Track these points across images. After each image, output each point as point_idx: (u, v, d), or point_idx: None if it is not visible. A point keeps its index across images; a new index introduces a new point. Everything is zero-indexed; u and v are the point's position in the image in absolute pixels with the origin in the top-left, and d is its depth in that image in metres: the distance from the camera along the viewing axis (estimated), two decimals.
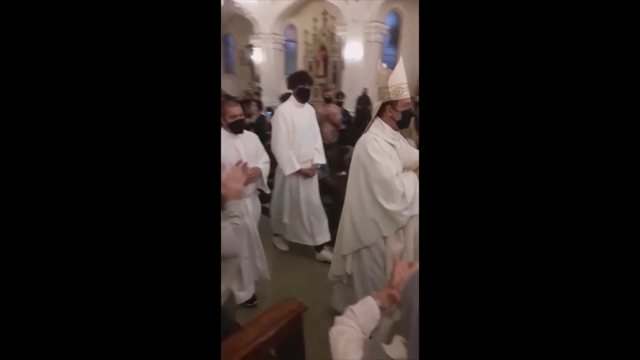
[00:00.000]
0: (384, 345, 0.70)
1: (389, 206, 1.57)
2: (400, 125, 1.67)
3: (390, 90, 1.56)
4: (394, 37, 8.74)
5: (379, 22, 7.72)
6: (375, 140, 1.60)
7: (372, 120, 1.67)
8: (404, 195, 1.54)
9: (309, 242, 2.82)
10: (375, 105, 1.69)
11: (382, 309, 0.87)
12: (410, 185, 1.55)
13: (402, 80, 1.57)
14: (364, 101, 7.12)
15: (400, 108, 1.61)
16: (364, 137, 1.65)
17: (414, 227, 1.68)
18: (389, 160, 1.59)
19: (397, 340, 0.69)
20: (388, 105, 1.61)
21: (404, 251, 1.72)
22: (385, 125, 1.64)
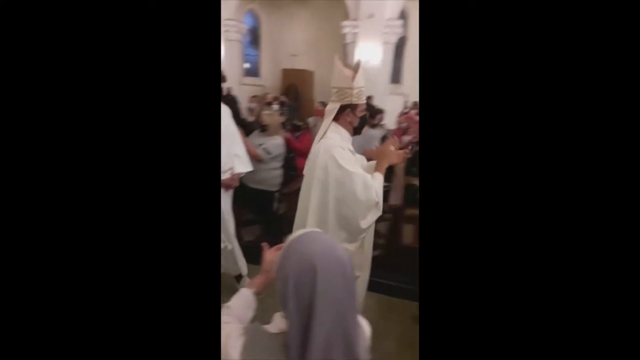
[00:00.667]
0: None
1: (364, 223, 1.39)
2: (356, 131, 1.52)
3: (354, 92, 1.40)
4: (254, 37, 8.81)
5: (237, 21, 7.64)
6: (342, 148, 1.42)
7: (328, 125, 1.46)
8: (377, 204, 1.41)
9: (232, 271, 2.35)
10: (330, 107, 1.46)
11: (257, 294, 0.90)
12: (380, 190, 1.42)
13: (363, 83, 1.44)
14: (228, 100, 6.93)
15: (360, 113, 1.47)
16: (327, 145, 1.41)
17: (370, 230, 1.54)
18: (359, 168, 1.44)
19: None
20: (348, 109, 1.44)
21: (363, 257, 1.55)
22: (342, 130, 1.47)
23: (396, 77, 8.16)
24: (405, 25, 7.55)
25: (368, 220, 1.39)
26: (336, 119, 1.46)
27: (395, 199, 2.65)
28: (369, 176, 1.40)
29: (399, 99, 7.18)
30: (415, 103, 5.97)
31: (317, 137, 1.50)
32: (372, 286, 2.36)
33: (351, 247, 1.46)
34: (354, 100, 1.42)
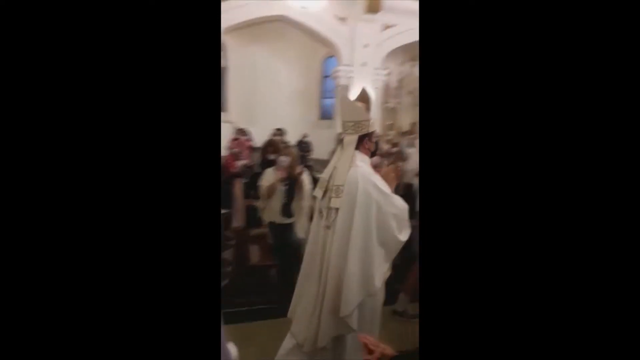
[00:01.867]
0: None
1: (402, 237, 1.52)
2: (372, 155, 1.65)
3: (370, 123, 1.54)
4: None
5: None
6: (375, 174, 1.55)
7: (353, 154, 1.54)
8: (409, 221, 1.55)
9: None
10: (350, 138, 1.55)
11: None
12: None
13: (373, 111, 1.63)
14: None
15: (374, 138, 1.62)
16: (363, 172, 1.49)
17: None
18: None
19: None
20: (366, 138, 1.56)
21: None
22: (365, 157, 1.58)
23: (223, 105, 8.25)
24: (225, 57, 7.81)
25: (404, 234, 1.54)
26: (357, 147, 1.57)
27: (237, 222, 2.65)
28: (400, 198, 1.57)
29: (226, 126, 7.26)
30: (241, 130, 6.18)
31: (343, 166, 1.54)
32: (227, 318, 2.22)
33: (387, 265, 1.57)
34: (370, 129, 1.56)
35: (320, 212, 1.62)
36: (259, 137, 5.05)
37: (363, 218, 1.49)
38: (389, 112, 8.34)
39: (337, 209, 1.53)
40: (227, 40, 8.07)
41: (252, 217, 2.84)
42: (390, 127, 8.02)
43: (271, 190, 2.49)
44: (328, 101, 8.97)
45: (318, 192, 1.63)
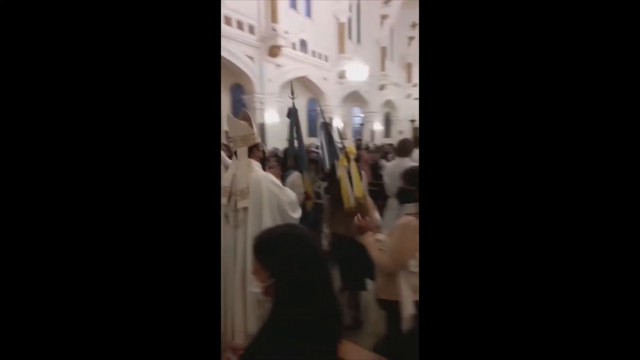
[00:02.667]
0: None
1: (296, 215, 1.96)
2: (262, 161, 2.04)
3: (254, 135, 1.88)
4: None
5: None
6: (270, 174, 1.94)
7: (248, 162, 1.88)
8: (297, 203, 2.01)
9: None
10: (241, 150, 1.89)
11: None
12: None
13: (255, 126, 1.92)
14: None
15: (261, 147, 2.03)
16: (261, 175, 1.87)
17: None
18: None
19: None
20: (254, 148, 1.90)
21: None
22: (257, 163, 1.92)
23: None
24: None
25: (297, 213, 2.00)
26: (249, 156, 1.91)
27: None
28: (289, 189, 2.04)
29: None
30: None
31: (242, 172, 1.87)
32: None
33: None
34: (257, 141, 1.93)
35: (226, 216, 1.84)
36: None
37: (270, 209, 1.84)
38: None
39: (245, 208, 1.79)
40: None
41: None
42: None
43: None
44: None
45: (223, 199, 1.85)
